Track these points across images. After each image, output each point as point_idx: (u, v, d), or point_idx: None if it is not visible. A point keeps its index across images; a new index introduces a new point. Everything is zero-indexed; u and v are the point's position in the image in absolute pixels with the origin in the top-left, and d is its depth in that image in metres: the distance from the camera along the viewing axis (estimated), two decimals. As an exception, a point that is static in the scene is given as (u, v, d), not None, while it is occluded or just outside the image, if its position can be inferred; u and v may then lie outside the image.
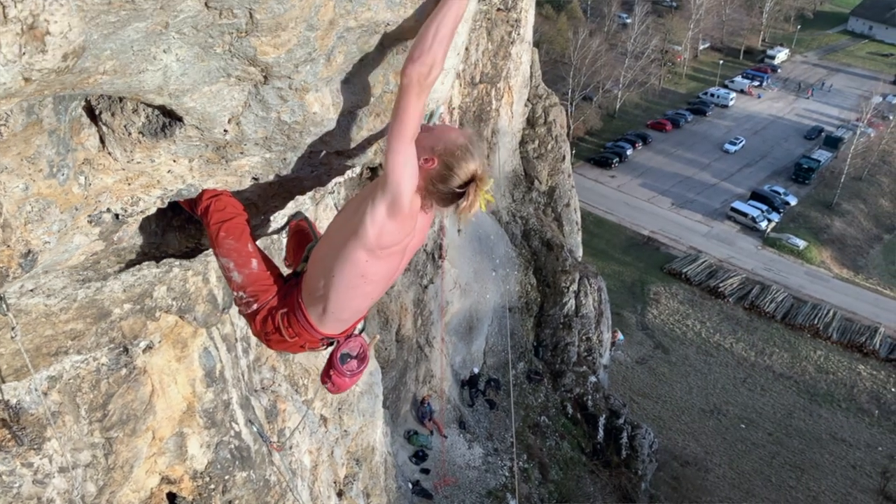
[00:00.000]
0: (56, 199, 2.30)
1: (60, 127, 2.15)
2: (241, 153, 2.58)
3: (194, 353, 5.92)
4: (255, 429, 6.86)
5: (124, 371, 5.23)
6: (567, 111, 54.31)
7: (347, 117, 2.78)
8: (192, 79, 2.06)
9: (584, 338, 28.52)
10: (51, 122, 2.09)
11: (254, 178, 2.99)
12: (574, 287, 28.32)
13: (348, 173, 3.69)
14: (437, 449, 23.31)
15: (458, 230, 25.36)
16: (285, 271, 3.25)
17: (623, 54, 59.75)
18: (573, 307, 28.43)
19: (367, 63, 2.65)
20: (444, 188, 2.53)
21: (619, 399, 29.06)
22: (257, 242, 3.23)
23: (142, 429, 5.56)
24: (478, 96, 26.50)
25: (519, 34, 25.65)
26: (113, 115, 2.27)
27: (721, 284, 42.72)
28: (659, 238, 47.89)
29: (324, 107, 2.54)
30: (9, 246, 2.26)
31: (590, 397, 27.40)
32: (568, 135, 52.24)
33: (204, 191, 2.92)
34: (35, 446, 4.71)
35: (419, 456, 22.99)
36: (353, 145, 2.97)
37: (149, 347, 5.41)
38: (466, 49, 24.75)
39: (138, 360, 5.34)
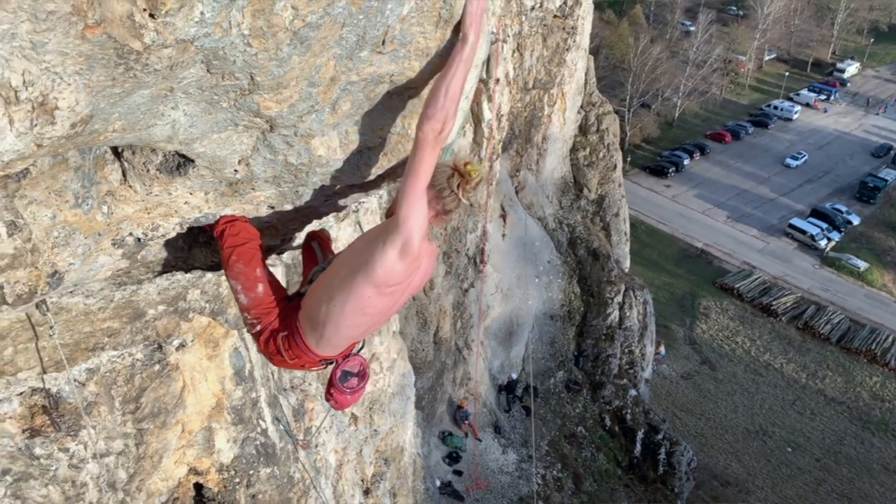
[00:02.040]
0: (81, 226, 2.54)
1: (85, 164, 2.38)
2: (253, 189, 2.78)
3: (225, 352, 6.21)
4: (281, 426, 7.13)
5: (157, 367, 5.53)
6: (624, 118, 53.78)
7: (356, 156, 2.96)
8: (200, 129, 2.26)
9: (626, 350, 28.21)
10: (76, 160, 2.32)
11: (270, 207, 3.19)
12: (619, 298, 28.04)
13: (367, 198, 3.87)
14: (470, 451, 23.43)
15: (503, 235, 25.42)
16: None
17: (684, 62, 58.65)
18: (617, 319, 28.15)
19: (376, 108, 2.82)
20: (445, 188, 2.70)
21: (659, 414, 28.63)
22: (284, 255, 3.45)
23: (172, 422, 5.86)
24: (530, 102, 26.49)
25: (575, 41, 25.52)
26: (133, 153, 2.49)
27: (774, 302, 41.56)
28: (712, 251, 46.88)
29: (330, 149, 2.72)
30: (37, 267, 2.50)
31: (629, 411, 27.10)
32: (623, 142, 51.73)
33: (222, 216, 3.14)
34: (71, 433, 5.04)
35: (453, 457, 23.16)
36: (363, 181, 3.14)
37: (182, 346, 5.71)
38: (520, 54, 24.83)
39: (171, 357, 5.63)
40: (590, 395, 27.60)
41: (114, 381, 5.25)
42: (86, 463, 5.25)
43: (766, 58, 68.67)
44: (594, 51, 52.82)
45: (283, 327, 3.04)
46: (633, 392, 27.51)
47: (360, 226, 4.60)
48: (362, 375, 3.26)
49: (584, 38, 26.78)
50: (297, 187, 2.89)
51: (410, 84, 2.77)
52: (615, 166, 29.81)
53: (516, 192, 27.37)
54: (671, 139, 57.97)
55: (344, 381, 3.20)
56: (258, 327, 3.12)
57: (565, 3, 23.76)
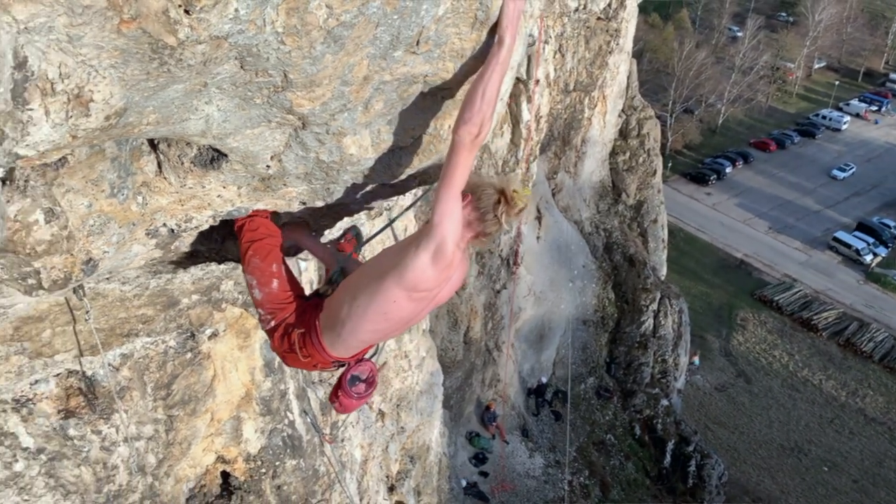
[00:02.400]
0: (116, 215, 2.59)
1: (122, 155, 2.43)
2: (285, 185, 2.81)
3: (256, 343, 6.29)
4: (308, 419, 7.20)
5: (189, 355, 5.63)
6: (666, 123, 53.02)
7: (388, 156, 2.96)
8: (233, 124, 2.29)
9: (659, 359, 27.83)
10: (113, 151, 2.37)
11: (302, 203, 3.22)
12: (654, 306, 27.66)
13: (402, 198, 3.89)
14: (497, 453, 23.37)
15: (538, 237, 25.29)
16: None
17: (730, 68, 57.58)
18: (651, 327, 27.79)
19: (409, 108, 2.82)
20: (487, 210, 2.68)
21: (690, 425, 28.19)
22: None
23: (202, 410, 5.96)
24: (570, 104, 26.30)
25: (618, 44, 25.26)
26: (169, 146, 2.54)
27: (815, 317, 40.57)
28: (752, 262, 45.96)
29: (361, 148, 2.73)
30: (72, 254, 2.57)
31: (660, 420, 26.73)
32: (665, 147, 51.00)
33: (253, 210, 3.18)
34: (104, 416, 5.17)
35: (479, 458, 23.14)
36: (394, 181, 3.15)
37: (214, 335, 5.80)
38: (562, 56, 24.65)
39: (203, 346, 5.73)
40: (620, 402, 27.30)
41: (147, 367, 5.36)
42: (117, 446, 5.38)
43: (816, 66, 66.99)
44: (637, 54, 52.19)
45: (300, 324, 3.05)
46: (664, 402, 27.13)
47: (392, 227, 4.61)
48: (370, 382, 3.25)
49: (627, 42, 26.50)
50: (329, 185, 2.91)
51: (445, 85, 2.77)
52: (655, 172, 29.42)
53: (553, 195, 27.20)
54: (713, 146, 56.98)
55: (352, 386, 3.20)
56: (272, 323, 3.14)
57: (609, 5, 23.53)
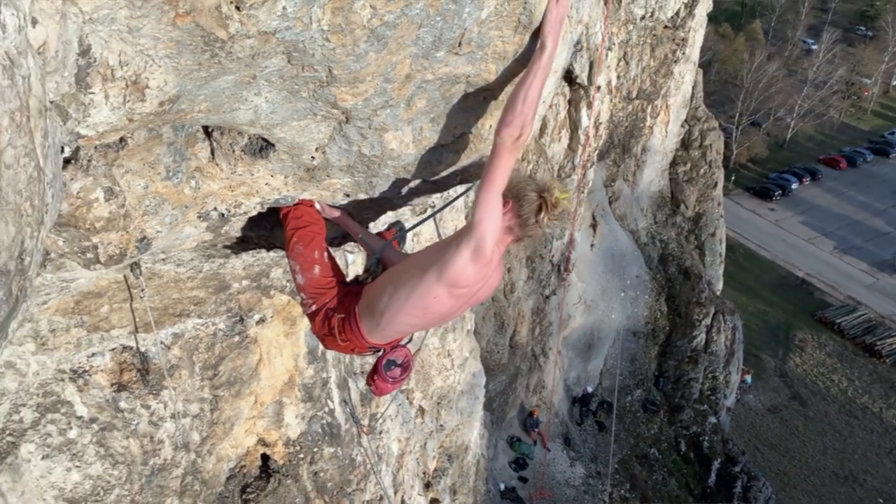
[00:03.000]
0: (170, 197, 2.75)
1: (178, 140, 2.58)
2: (328, 176, 2.93)
3: (301, 331, 6.47)
4: (348, 409, 7.35)
5: (237, 338, 5.84)
6: (731, 135, 51.71)
7: (429, 152, 3.05)
8: (280, 116, 2.41)
9: (709, 375, 27.19)
10: (169, 136, 2.52)
11: (345, 195, 3.33)
12: (707, 321, 27.05)
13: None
14: (537, 460, 23.25)
15: (592, 245, 25.05)
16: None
17: (802, 82, 55.74)
18: (703, 342, 27.17)
19: (451, 106, 2.90)
20: (529, 214, 2.75)
21: (739, 445, 27.45)
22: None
23: (246, 392, 6.17)
24: (632, 111, 25.98)
25: (684, 53, 24.81)
26: (221, 134, 2.68)
27: (879, 343, 38.92)
28: (814, 282, 44.41)
29: (402, 144, 2.82)
30: (128, 232, 2.73)
31: (707, 438, 26.12)
32: (729, 160, 49.74)
33: (299, 199, 3.31)
34: (154, 392, 5.41)
35: (519, 463, 23.06)
36: (434, 177, 3.23)
37: (261, 320, 6.00)
38: (626, 63, 24.38)
39: (251, 331, 5.93)
40: (667, 417, 26.79)
41: (196, 348, 5.58)
42: (164, 421, 5.61)
43: (894, 83, 64.26)
44: (706, 64, 51.08)
45: (340, 309, 3.17)
46: (712, 419, 26.49)
47: (435, 222, 4.70)
48: (405, 367, 3.37)
49: (694, 51, 26.00)
50: (371, 178, 3.01)
51: (487, 86, 2.83)
52: (716, 184, 28.76)
53: (609, 203, 26.90)
54: (780, 161, 55.28)
55: (388, 370, 3.32)
56: (313, 307, 3.27)
57: (677, 13, 23.13)
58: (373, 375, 3.35)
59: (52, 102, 1.65)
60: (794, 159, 55.69)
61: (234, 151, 2.71)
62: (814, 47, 61.18)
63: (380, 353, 3.30)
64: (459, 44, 2.46)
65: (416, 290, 2.88)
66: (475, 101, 2.92)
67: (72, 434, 5.06)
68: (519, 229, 2.78)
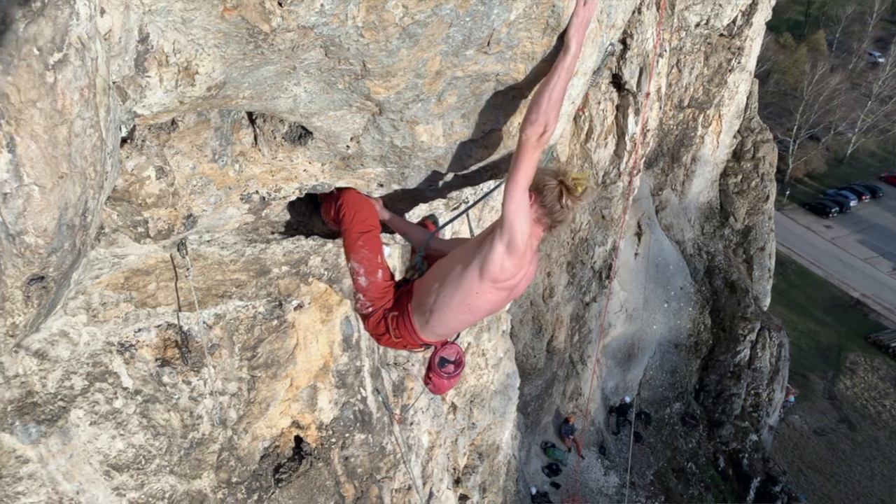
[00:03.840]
0: (215, 178, 2.96)
1: (224, 125, 2.79)
2: (362, 165, 3.10)
3: (337, 319, 6.68)
4: (380, 398, 7.55)
5: (276, 322, 6.07)
6: (788, 148, 50.44)
7: (460, 147, 3.20)
8: (318, 105, 2.58)
9: (752, 392, 26.63)
10: (216, 121, 2.73)
11: (379, 185, 3.51)
12: (752, 336, 26.50)
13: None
14: (571, 467, 23.15)
15: (636, 253, 24.82)
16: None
17: (866, 96, 53.98)
18: (747, 357, 26.64)
19: (481, 103, 3.04)
20: (553, 202, 2.88)
21: (780, 465, 26.80)
22: (398, 237, 3.76)
23: (282, 374, 6.41)
24: (683, 120, 25.65)
25: (739, 62, 24.39)
26: (264, 121, 2.88)
27: (935, 369, 37.53)
28: (869, 303, 42.97)
29: (433, 137, 2.97)
30: (175, 209, 2.95)
31: (747, 455, 25.59)
32: (784, 174, 48.53)
33: (341, 191, 3.49)
34: (195, 369, 5.67)
35: (552, 469, 23.00)
36: (464, 171, 3.38)
37: (299, 306, 6.22)
38: (679, 71, 24.09)
39: (289, 316, 6.16)
40: (706, 432, 26.34)
41: (236, 329, 5.84)
42: (203, 398, 5.87)
43: (965, 99, 61.76)
44: (764, 75, 49.95)
45: (395, 308, 3.35)
46: (753, 437, 25.94)
47: (468, 218, 4.84)
48: (458, 363, 3.52)
49: (750, 61, 25.52)
50: (402, 168, 3.18)
51: (516, 85, 2.96)
52: (767, 197, 28.15)
53: (656, 212, 26.60)
54: (839, 177, 53.63)
55: (442, 367, 3.48)
56: (370, 309, 3.44)
57: (734, 22, 22.76)
58: (428, 374, 3.52)
59: (114, 83, 1.86)
60: (853, 175, 53.99)
61: (275, 138, 2.91)
62: (880, 60, 59.20)
63: (431, 351, 3.45)
64: (488, 43, 2.60)
65: (459, 288, 3.04)
66: (504, 99, 3.05)
67: (117, 403, 5.34)
68: (547, 218, 2.91)
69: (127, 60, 1.83)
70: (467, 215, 4.97)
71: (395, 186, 3.50)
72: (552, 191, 2.87)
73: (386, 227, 3.88)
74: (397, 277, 3.71)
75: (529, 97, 3.05)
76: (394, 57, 2.39)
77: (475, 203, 4.53)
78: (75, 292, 4.78)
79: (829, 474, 32.57)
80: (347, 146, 2.91)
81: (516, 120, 3.13)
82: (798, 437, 33.87)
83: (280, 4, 1.96)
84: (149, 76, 1.96)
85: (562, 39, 2.77)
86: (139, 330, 5.26)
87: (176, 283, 4.99)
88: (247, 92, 2.31)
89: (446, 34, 2.44)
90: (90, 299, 4.85)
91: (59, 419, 5.08)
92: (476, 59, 2.67)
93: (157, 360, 5.47)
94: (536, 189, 2.90)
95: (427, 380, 3.64)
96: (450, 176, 3.51)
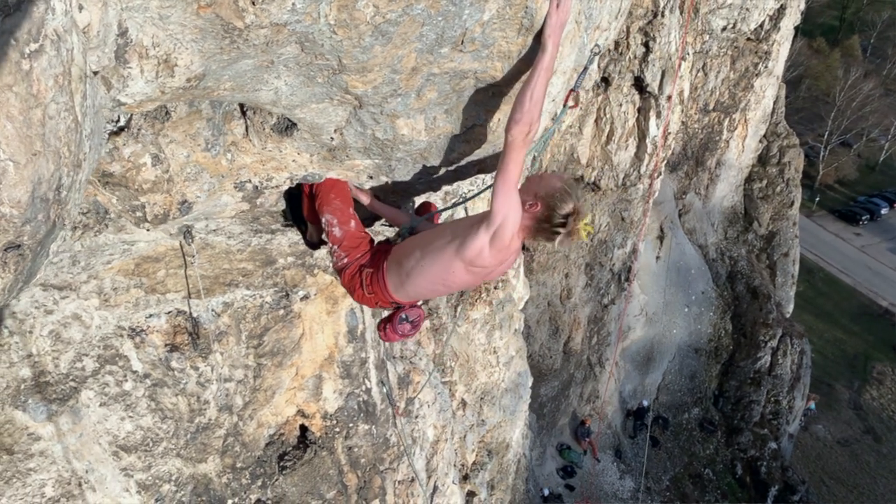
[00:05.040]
0: (208, 166, 3.13)
1: (216, 116, 2.95)
2: (348, 156, 3.25)
3: (342, 311, 6.84)
4: (384, 390, 7.69)
5: (282, 312, 6.25)
6: (819, 154, 49.68)
7: (442, 140, 3.33)
8: (300, 98, 2.73)
9: (772, 399, 26.33)
10: (208, 112, 2.89)
11: (369, 177, 3.65)
12: (773, 343, 26.21)
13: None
14: (586, 469, 23.12)
15: (657, 257, 24.71)
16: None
17: (901, 102, 52.98)
18: (767, 364, 26.35)
19: (463, 99, 3.16)
20: (548, 225, 3.01)
21: (799, 474, 26.45)
22: None
23: (287, 363, 6.58)
24: (708, 124, 25.47)
25: (766, 67, 24.14)
26: (255, 113, 3.03)
27: (965, 382, 36.70)
28: (899, 313, 42.20)
29: (414, 131, 3.11)
30: (170, 194, 3.13)
31: (765, 463, 25.32)
32: (814, 180, 47.80)
33: (327, 178, 3.65)
34: (203, 355, 5.86)
35: (567, 471, 22.99)
36: (450, 165, 3.51)
37: (305, 297, 6.39)
38: (704, 74, 23.90)
39: (295, 306, 6.34)
40: (724, 438, 26.11)
41: (243, 317, 6.02)
42: (210, 384, 6.07)
43: None
44: (796, 80, 49.23)
45: (370, 265, 3.54)
46: (772, 444, 25.65)
47: (466, 211, 4.97)
48: (416, 324, 3.73)
49: (777, 65, 25.24)
50: (388, 161, 3.31)
51: (496, 83, 3.08)
52: (792, 203, 27.80)
53: (679, 216, 26.43)
54: (870, 184, 52.63)
55: (400, 323, 3.69)
56: (345, 260, 3.64)
57: (761, 26, 22.55)
58: (385, 324, 3.72)
59: (96, 73, 2.02)
60: (885, 183, 52.95)
61: (264, 129, 3.07)
62: (916, 66, 58.10)
63: (398, 309, 3.65)
64: (462, 42, 2.72)
65: (436, 263, 3.20)
66: (485, 96, 3.17)
67: (127, 386, 5.55)
68: (533, 231, 3.03)
69: (107, 52, 1.99)
70: (465, 209, 5.11)
71: (384, 178, 3.64)
72: (558, 217, 2.97)
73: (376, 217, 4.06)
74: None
75: (509, 95, 3.17)
76: (368, 53, 2.53)
77: (472, 197, 4.66)
78: (87, 276, 4.99)
79: (851, 486, 32.03)
80: (332, 138, 3.06)
81: (496, 117, 3.24)
82: (821, 447, 33.37)
83: (253, 3, 2.11)
84: (130, 67, 2.12)
85: (539, 39, 2.88)
86: (150, 316, 5.45)
87: (185, 271, 5.18)
88: (227, 84, 2.46)
89: (419, 32, 2.57)
90: (102, 284, 5.06)
91: (70, 399, 5.30)
92: (451, 57, 2.79)
93: (166, 345, 5.66)
94: (546, 203, 3.00)
95: (381, 328, 3.89)
96: (438, 170, 3.64)
